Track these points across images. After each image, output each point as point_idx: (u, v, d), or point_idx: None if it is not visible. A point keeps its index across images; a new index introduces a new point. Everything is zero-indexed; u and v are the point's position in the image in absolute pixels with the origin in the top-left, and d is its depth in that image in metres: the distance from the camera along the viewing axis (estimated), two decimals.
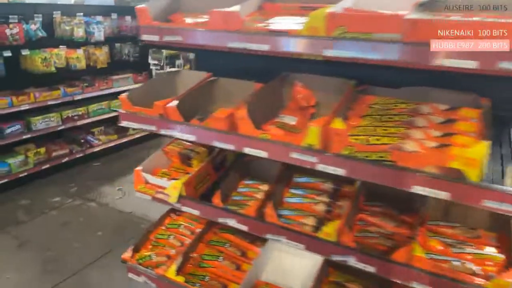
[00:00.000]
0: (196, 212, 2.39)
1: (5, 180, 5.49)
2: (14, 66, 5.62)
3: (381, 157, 1.66)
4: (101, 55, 6.62)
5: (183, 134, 2.17)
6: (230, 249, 2.67)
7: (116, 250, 4.28)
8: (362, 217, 2.18)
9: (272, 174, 2.58)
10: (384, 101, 2.07)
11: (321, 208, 2.23)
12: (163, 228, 2.93)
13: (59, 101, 5.98)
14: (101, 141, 6.74)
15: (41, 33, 5.64)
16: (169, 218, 3.01)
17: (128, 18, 6.91)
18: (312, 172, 2.36)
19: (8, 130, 5.50)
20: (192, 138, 2.15)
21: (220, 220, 2.32)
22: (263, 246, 2.60)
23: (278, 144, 1.89)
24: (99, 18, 6.37)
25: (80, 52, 6.21)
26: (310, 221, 2.13)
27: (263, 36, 1.95)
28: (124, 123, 2.36)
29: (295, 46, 1.89)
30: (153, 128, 2.25)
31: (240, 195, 2.50)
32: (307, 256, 2.27)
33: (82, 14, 6.12)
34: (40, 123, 5.85)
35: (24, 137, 5.69)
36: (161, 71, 7.18)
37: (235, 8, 2.08)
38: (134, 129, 2.35)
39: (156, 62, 7.17)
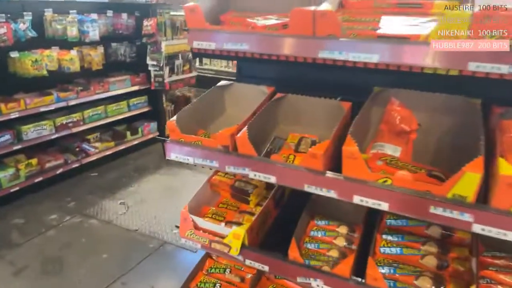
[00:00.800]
0: (264, 268, 1.85)
1: None
2: (2, 69, 5.05)
3: None
4: (96, 56, 6.03)
5: (257, 173, 1.62)
6: None
7: (124, 277, 3.80)
8: (485, 274, 1.68)
9: (345, 209, 2.08)
10: None
11: (431, 262, 1.71)
12: (205, 273, 2.40)
13: (52, 107, 5.42)
14: (97, 149, 6.20)
15: (31, 33, 5.05)
16: (209, 260, 2.47)
17: (124, 15, 6.35)
18: None
19: None
20: (270, 179, 1.61)
21: (300, 280, 1.78)
22: None
23: (410, 194, 1.37)
24: (94, 16, 5.79)
25: (73, 53, 5.64)
26: (427, 284, 1.63)
27: (374, 44, 1.45)
28: (172, 157, 1.79)
29: (422, 57, 1.39)
30: (214, 164, 1.70)
31: (315, 242, 1.96)
32: None
33: (75, 11, 5.56)
34: (31, 132, 5.29)
35: (15, 148, 5.11)
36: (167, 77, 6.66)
37: (326, 5, 1.57)
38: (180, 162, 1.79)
39: (154, 62, 6.71)
